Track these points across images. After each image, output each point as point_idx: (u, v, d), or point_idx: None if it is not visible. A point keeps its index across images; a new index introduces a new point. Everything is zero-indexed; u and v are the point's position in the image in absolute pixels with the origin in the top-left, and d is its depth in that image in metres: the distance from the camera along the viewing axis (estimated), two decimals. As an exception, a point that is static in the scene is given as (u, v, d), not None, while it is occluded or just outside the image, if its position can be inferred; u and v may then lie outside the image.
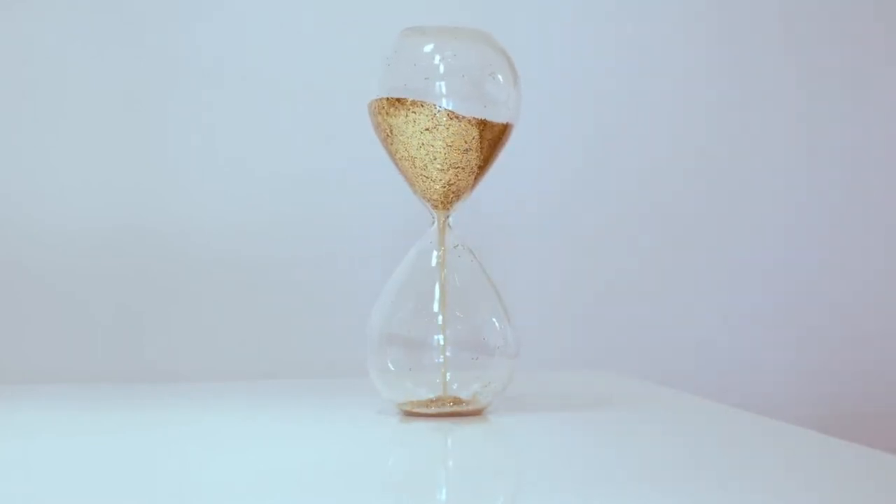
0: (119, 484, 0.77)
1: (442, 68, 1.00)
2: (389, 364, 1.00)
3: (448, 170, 1.01)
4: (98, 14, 1.43)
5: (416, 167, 1.01)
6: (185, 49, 1.45)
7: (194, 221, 1.43)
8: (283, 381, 1.33)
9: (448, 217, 1.03)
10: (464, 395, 1.01)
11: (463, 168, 1.01)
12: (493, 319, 1.01)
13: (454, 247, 1.03)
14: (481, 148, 1.01)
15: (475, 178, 1.02)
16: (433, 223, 1.03)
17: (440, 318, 1.00)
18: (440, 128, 0.99)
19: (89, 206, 1.42)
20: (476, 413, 1.01)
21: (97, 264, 1.41)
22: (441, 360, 1.00)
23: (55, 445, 0.91)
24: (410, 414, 1.01)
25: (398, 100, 0.99)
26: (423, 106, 0.99)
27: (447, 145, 1.00)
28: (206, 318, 1.44)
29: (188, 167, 1.44)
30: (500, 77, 1.01)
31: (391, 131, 1.01)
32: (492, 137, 1.01)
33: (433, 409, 1.00)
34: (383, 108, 1.00)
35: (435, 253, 1.02)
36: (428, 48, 1.00)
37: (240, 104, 1.46)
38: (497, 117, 1.01)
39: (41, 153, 1.42)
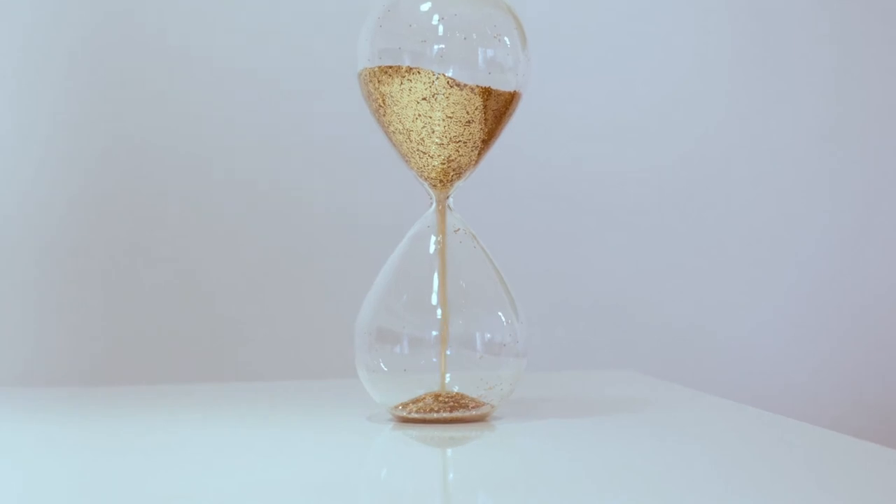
0: (111, 484, 0.78)
1: (441, 30, 0.93)
2: (381, 363, 0.94)
3: (448, 144, 0.94)
4: (94, 12, 1.43)
5: (411, 141, 0.94)
6: (176, 45, 1.44)
7: (191, 220, 1.44)
8: (270, 382, 1.31)
9: (448, 198, 0.97)
10: (465, 399, 0.94)
11: (465, 142, 0.94)
12: (499, 313, 0.95)
13: (455, 231, 0.96)
14: (485, 120, 0.94)
15: (479, 154, 0.96)
16: (431, 205, 0.97)
17: (439, 311, 0.94)
18: (439, 97, 0.92)
19: (88, 205, 1.42)
20: (480, 419, 0.95)
21: (96, 264, 1.42)
22: (440, 360, 0.94)
23: (53, 445, 0.92)
24: (405, 420, 0.95)
25: (391, 66, 0.92)
26: (419, 72, 0.92)
27: (447, 117, 0.93)
28: (201, 318, 1.44)
29: (184, 165, 1.44)
30: (506, 40, 0.94)
31: (384, 101, 0.94)
32: (497, 108, 0.94)
33: (431, 415, 0.94)
34: (375, 75, 0.93)
35: (433, 238, 0.96)
36: (425, 7, 0.93)
37: (237, 102, 1.45)
38: (503, 85, 0.94)
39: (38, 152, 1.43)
